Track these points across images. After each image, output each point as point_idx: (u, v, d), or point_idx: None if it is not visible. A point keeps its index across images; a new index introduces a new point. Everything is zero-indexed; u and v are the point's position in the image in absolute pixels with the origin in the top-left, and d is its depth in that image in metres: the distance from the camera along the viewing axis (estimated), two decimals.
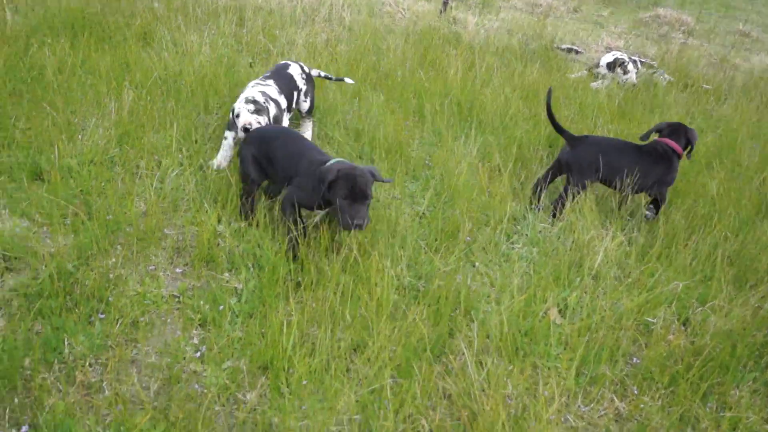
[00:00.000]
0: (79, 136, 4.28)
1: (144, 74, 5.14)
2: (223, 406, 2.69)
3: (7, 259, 3.24)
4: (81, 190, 3.79)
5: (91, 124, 4.41)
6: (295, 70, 4.72)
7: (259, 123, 4.03)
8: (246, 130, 4.01)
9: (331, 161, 3.45)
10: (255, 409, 2.68)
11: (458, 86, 5.93)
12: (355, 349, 3.04)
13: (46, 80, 4.81)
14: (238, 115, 4.08)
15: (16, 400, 2.49)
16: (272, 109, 4.21)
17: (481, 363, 3.03)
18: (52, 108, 4.44)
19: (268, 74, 4.62)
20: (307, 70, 4.86)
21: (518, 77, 6.45)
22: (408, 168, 4.61)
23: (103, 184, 3.87)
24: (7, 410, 2.47)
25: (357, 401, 2.73)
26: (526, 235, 4.12)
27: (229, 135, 4.25)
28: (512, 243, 4.06)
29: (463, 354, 3.03)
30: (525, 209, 4.35)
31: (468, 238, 3.92)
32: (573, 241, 3.99)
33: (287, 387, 2.74)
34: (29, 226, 3.48)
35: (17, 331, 2.80)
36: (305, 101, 4.80)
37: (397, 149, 4.75)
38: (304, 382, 2.76)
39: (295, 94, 4.66)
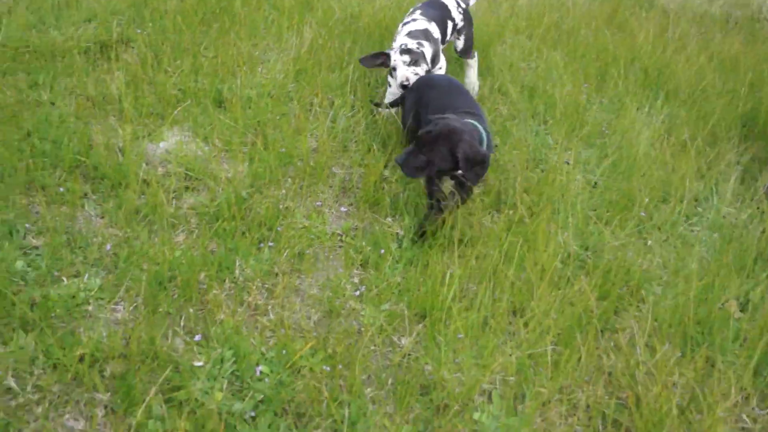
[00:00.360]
0: (260, 69, 4.41)
1: (324, 13, 5.20)
2: (377, 346, 2.69)
3: (189, 179, 3.41)
4: (258, 121, 3.91)
5: (272, 57, 4.53)
6: (450, 1, 4.40)
7: (417, 74, 3.80)
8: (404, 87, 3.83)
9: (467, 120, 3.18)
10: (409, 355, 2.67)
11: (647, 52, 5.51)
12: (513, 312, 2.94)
13: (234, 11, 4.97)
14: (395, 68, 3.85)
15: (191, 311, 2.63)
16: (428, 49, 3.93)
17: (647, 345, 2.83)
18: (237, 39, 4.60)
19: (417, 6, 4.37)
20: (463, 5, 4.52)
21: (716, 47, 5.89)
22: (583, 133, 4.36)
23: (278, 118, 3.96)
24: (183, 318, 2.61)
25: (512, 363, 2.64)
26: (708, 218, 3.78)
27: (393, 82, 4.07)
28: (691, 225, 3.74)
29: (629, 332, 2.85)
30: (710, 190, 3.99)
31: (643, 213, 3.66)
32: (763, 231, 3.61)
33: (443, 338, 2.70)
34: (210, 150, 3.64)
35: (194, 247, 2.95)
36: (459, 39, 4.47)
37: (573, 112, 4.51)
38: (460, 336, 2.71)
39: (450, 24, 4.34)
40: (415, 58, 3.83)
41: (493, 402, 2.52)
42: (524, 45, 5.35)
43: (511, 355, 2.64)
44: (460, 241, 3.17)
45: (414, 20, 4.15)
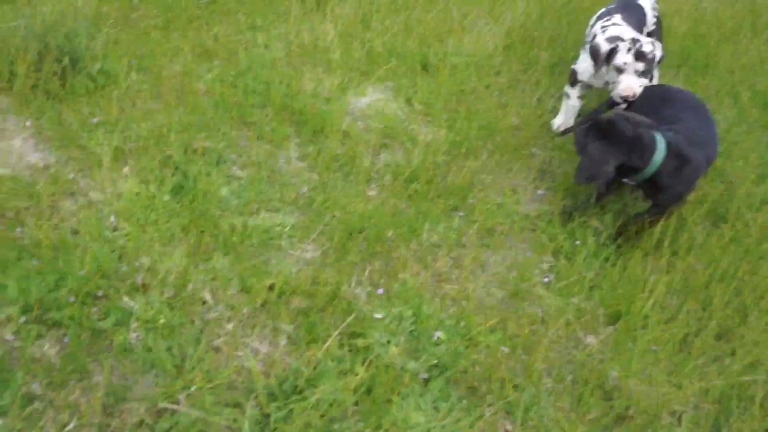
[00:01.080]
0: (466, 38, 4.29)
1: None
2: (561, 339, 2.51)
3: (386, 137, 3.38)
4: (460, 90, 3.81)
5: (482, 28, 4.39)
6: (645, 2, 3.64)
7: (641, 87, 3.08)
8: (627, 102, 3.10)
9: (665, 138, 2.71)
10: (594, 356, 2.46)
11: None
12: (719, 335, 2.62)
13: None
14: (619, 69, 3.05)
15: (377, 264, 2.60)
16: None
17: None
18: (450, 5, 4.52)
19: (612, 6, 3.58)
20: (656, 5, 3.75)
21: None
22: None
23: (484, 88, 3.84)
24: (368, 270, 2.59)
25: (714, 389, 2.35)
26: None
27: (573, 93, 3.49)
28: None
29: None
30: None
31: None
32: None
33: (634, 345, 2.46)
34: (410, 112, 3.59)
35: (385, 204, 2.91)
36: None
37: None
38: (654, 348, 2.45)
39: (644, 32, 3.54)
40: (648, 68, 3.08)
41: (683, 426, 2.26)
42: (762, 47, 4.79)
43: (713, 381, 2.35)
44: (668, 248, 2.88)
45: (619, 24, 3.30)
